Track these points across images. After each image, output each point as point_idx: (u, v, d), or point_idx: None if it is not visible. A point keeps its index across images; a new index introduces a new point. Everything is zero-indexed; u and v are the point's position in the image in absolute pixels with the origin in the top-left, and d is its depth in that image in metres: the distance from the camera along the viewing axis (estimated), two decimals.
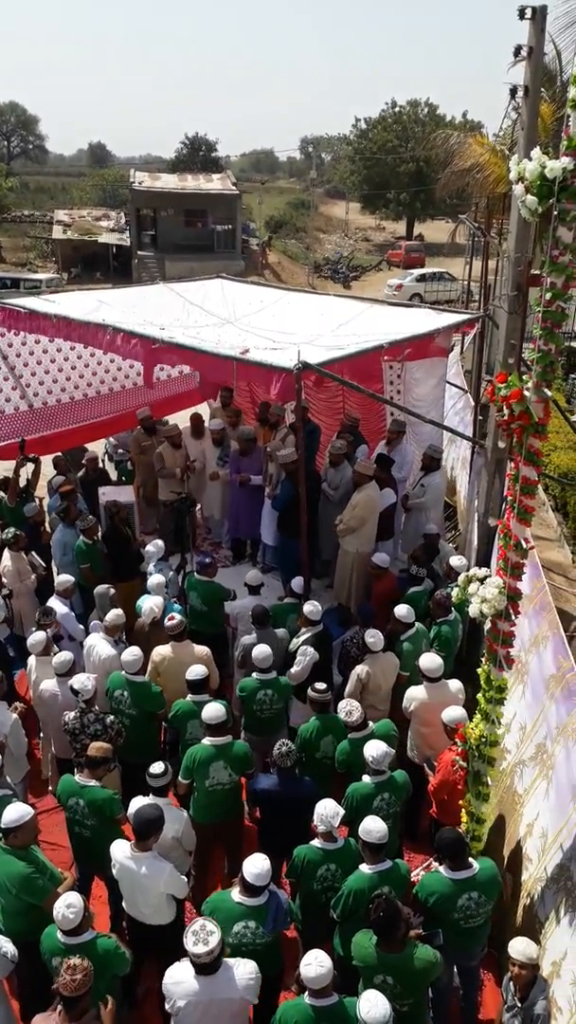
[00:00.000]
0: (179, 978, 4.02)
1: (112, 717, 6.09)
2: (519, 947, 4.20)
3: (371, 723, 5.85)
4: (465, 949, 4.87)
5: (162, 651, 6.71)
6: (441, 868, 4.74)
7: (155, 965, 4.90)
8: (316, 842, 4.95)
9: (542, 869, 4.96)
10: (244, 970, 4.06)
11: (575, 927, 4.35)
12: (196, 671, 6.12)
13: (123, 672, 6.39)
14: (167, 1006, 4.07)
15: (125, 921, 5.43)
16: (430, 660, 6.24)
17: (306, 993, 3.91)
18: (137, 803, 5.32)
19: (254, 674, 6.42)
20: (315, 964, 3.85)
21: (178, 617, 6.80)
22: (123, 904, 5.10)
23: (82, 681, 5.99)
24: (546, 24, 6.50)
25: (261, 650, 6.37)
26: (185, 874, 5.38)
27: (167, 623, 6.74)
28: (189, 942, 3.88)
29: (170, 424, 10.40)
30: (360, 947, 4.27)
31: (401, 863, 4.86)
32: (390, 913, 4.09)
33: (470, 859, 4.75)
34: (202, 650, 6.73)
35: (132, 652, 6.39)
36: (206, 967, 3.93)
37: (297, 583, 7.49)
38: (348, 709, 5.74)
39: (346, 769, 5.69)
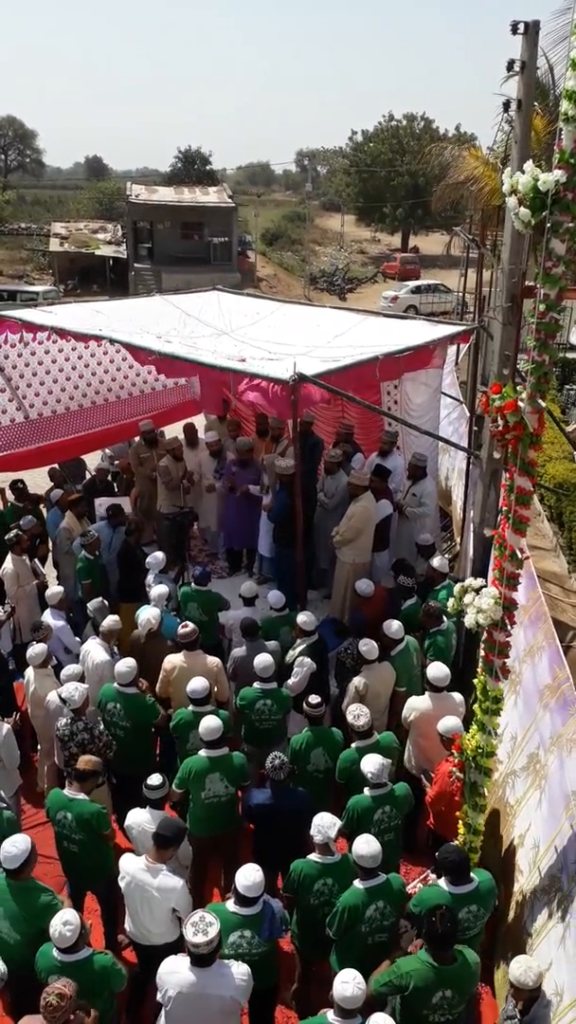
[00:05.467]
0: (173, 968, 4.09)
1: (101, 727, 6.07)
2: (516, 974, 4.09)
3: (376, 733, 5.82)
4: None
5: (174, 660, 6.65)
6: (441, 881, 4.70)
7: None
8: (313, 856, 4.91)
9: (533, 880, 4.95)
10: (238, 970, 4.11)
11: (562, 939, 4.34)
12: (197, 686, 5.98)
13: (115, 684, 6.36)
14: (159, 996, 4.12)
15: (124, 940, 5.41)
16: (437, 669, 6.22)
17: (331, 1012, 3.86)
18: (134, 815, 5.33)
19: (256, 684, 6.38)
20: (352, 984, 3.82)
21: (191, 625, 6.74)
22: (127, 926, 5.05)
23: (70, 691, 5.97)
24: (539, 39, 6.55)
25: (263, 659, 6.34)
26: None
27: (180, 631, 6.69)
28: (189, 932, 3.95)
29: (169, 437, 10.41)
30: (412, 971, 4.13)
31: (395, 877, 4.83)
32: (453, 925, 4.10)
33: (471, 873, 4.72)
34: (214, 660, 6.70)
35: (127, 663, 6.35)
36: (202, 959, 4.00)
37: (275, 598, 7.43)
38: (357, 713, 5.70)
39: (346, 779, 5.65)
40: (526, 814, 5.32)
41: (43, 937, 4.51)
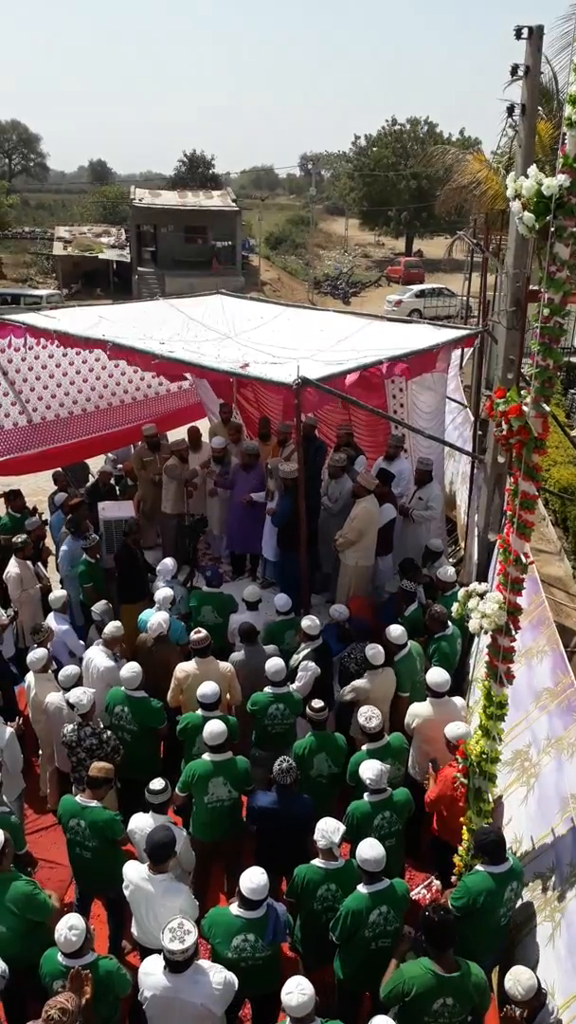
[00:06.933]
0: (150, 970, 4.11)
1: (109, 732, 6.06)
2: (507, 987, 4.06)
3: (386, 735, 5.80)
4: (497, 948, 4.80)
5: (186, 668, 6.59)
6: (480, 866, 4.69)
7: None
8: (317, 861, 4.89)
9: None
10: (214, 978, 4.07)
11: (551, 937, 4.35)
12: (208, 691, 5.95)
13: (123, 688, 6.35)
14: (139, 995, 4.16)
15: (127, 946, 5.38)
16: (437, 675, 6.20)
17: (288, 1020, 3.85)
18: (137, 819, 5.31)
19: (267, 688, 6.37)
20: (296, 992, 3.80)
21: (203, 632, 6.69)
22: (133, 930, 5.04)
23: (78, 695, 5.96)
24: (543, 44, 6.57)
25: (274, 663, 6.34)
26: None
27: (192, 636, 6.66)
28: (166, 938, 3.94)
29: (174, 440, 10.40)
30: (413, 977, 4.09)
31: (399, 882, 4.81)
32: (448, 922, 4.07)
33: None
34: (226, 665, 6.67)
35: (131, 668, 6.34)
36: (177, 965, 3.99)
37: (281, 601, 7.42)
38: (368, 715, 5.67)
39: (356, 783, 5.59)
40: (508, 808, 5.34)
41: (33, 929, 4.56)
